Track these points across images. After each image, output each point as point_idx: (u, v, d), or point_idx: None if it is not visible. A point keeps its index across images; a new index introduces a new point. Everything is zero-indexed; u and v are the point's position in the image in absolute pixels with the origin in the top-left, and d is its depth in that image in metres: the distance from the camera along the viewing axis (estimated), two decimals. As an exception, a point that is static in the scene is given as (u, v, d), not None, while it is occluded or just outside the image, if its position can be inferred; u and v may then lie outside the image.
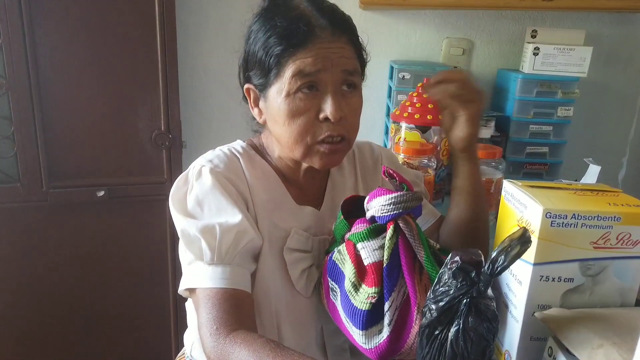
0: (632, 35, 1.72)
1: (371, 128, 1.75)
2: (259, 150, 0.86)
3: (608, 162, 1.79)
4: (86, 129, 1.44)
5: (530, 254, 0.61)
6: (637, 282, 0.64)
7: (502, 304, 0.69)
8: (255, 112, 0.83)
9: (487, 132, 1.50)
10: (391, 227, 0.70)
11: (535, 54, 1.54)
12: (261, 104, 0.81)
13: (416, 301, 0.66)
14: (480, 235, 0.86)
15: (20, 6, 1.30)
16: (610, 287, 0.63)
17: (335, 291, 0.74)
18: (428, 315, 0.57)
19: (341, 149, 0.78)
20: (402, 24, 1.68)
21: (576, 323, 0.59)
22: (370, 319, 0.67)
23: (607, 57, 1.73)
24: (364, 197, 0.75)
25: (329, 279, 0.76)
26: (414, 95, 1.32)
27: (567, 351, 0.58)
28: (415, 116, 1.28)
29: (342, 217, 0.77)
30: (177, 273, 1.61)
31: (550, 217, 0.60)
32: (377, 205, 0.71)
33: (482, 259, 0.56)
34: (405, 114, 1.30)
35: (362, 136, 0.89)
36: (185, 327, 0.96)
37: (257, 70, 0.78)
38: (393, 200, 0.70)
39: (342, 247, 0.75)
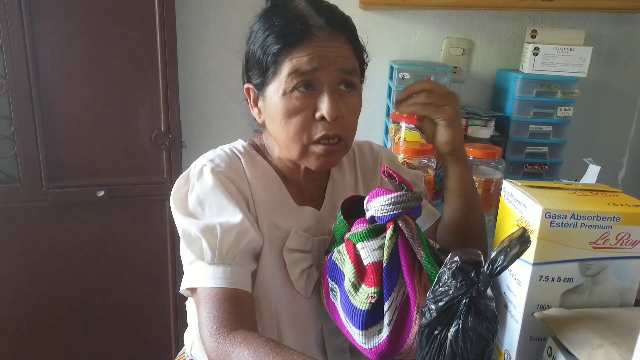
0: (632, 35, 1.72)
1: (371, 128, 1.75)
2: (260, 150, 0.87)
3: (608, 162, 1.78)
4: (86, 129, 1.44)
5: (529, 254, 0.61)
6: (637, 282, 0.64)
7: (501, 304, 0.69)
8: (254, 112, 0.83)
9: (487, 132, 1.50)
10: (391, 227, 0.70)
11: (535, 54, 1.54)
12: (260, 103, 0.81)
13: (416, 301, 0.66)
14: (475, 235, 0.86)
15: (20, 6, 1.30)
16: (610, 287, 0.64)
17: (335, 291, 0.74)
18: (428, 315, 0.57)
19: (337, 150, 0.78)
20: (402, 24, 1.68)
21: (576, 323, 0.59)
22: (369, 319, 0.67)
23: (607, 57, 1.73)
24: (364, 197, 0.75)
25: (329, 279, 0.76)
26: (413, 95, 1.31)
27: (566, 351, 0.58)
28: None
29: (341, 217, 0.77)
30: (177, 273, 1.61)
31: (549, 217, 0.60)
32: (376, 205, 0.71)
33: (482, 259, 0.56)
34: (405, 114, 1.29)
35: (362, 136, 0.89)
36: (185, 326, 0.96)
37: (255, 69, 0.79)
38: (393, 200, 0.70)
39: (342, 247, 0.75)
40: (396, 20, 1.67)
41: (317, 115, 0.75)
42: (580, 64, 1.54)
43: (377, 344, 0.67)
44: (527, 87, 1.55)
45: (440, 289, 0.57)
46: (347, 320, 0.71)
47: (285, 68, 0.74)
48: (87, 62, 1.39)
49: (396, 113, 1.23)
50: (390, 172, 0.74)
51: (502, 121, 1.60)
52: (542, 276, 0.62)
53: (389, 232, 0.70)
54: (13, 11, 1.30)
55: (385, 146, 1.59)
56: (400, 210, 0.70)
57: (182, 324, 1.65)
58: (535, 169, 1.63)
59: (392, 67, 1.62)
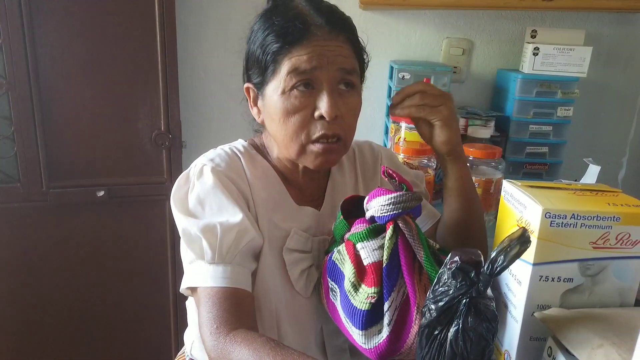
0: (632, 35, 1.72)
1: (371, 128, 1.75)
2: (260, 150, 0.87)
3: (608, 162, 1.79)
4: (86, 128, 1.44)
5: (529, 254, 0.61)
6: (637, 282, 0.64)
7: (501, 304, 0.69)
8: (254, 111, 0.83)
9: (487, 132, 1.50)
10: (391, 227, 0.70)
11: (535, 54, 1.54)
12: (259, 103, 0.81)
13: (416, 301, 0.66)
14: (475, 235, 0.86)
15: (20, 6, 1.30)
16: (610, 287, 0.63)
17: (334, 291, 0.74)
18: (427, 315, 0.57)
19: (336, 149, 0.78)
20: (402, 24, 1.68)
21: (576, 323, 0.59)
22: (369, 319, 0.67)
23: (607, 57, 1.73)
24: (364, 197, 0.75)
25: (329, 279, 0.76)
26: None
27: (566, 351, 0.58)
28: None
29: (341, 217, 0.77)
30: (177, 273, 1.61)
31: (549, 217, 0.60)
32: (376, 206, 0.71)
33: (482, 259, 0.56)
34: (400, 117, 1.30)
35: (362, 136, 0.89)
36: (185, 326, 0.96)
37: (255, 68, 0.79)
38: (392, 200, 0.70)
39: (342, 247, 0.75)
40: (396, 20, 1.68)
41: (316, 114, 0.75)
42: (580, 64, 1.54)
43: (377, 344, 0.67)
44: (527, 87, 1.55)
45: (440, 289, 0.57)
46: (347, 320, 0.71)
47: (285, 67, 0.74)
48: (87, 62, 1.39)
49: (391, 117, 1.23)
50: (390, 172, 0.74)
51: (502, 121, 1.60)
52: (542, 276, 0.62)
53: (388, 232, 0.70)
54: (13, 11, 1.30)
55: (385, 146, 1.59)
56: (400, 210, 0.70)
57: (182, 324, 1.65)
58: (535, 169, 1.63)
59: (392, 67, 1.62)
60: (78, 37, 1.37)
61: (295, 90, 0.74)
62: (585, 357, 0.55)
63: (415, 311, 0.66)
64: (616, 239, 0.61)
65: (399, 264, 0.69)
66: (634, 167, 1.86)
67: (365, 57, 0.83)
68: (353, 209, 0.77)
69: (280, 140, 0.79)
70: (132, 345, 1.67)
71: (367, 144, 0.97)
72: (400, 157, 1.29)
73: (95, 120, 1.44)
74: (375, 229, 0.72)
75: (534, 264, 0.61)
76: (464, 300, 0.55)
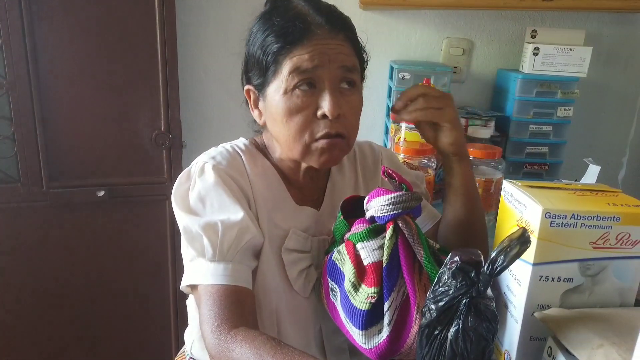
0: (632, 35, 1.72)
1: (371, 128, 1.75)
2: (261, 149, 0.87)
3: (608, 162, 1.79)
4: (86, 129, 1.44)
5: (529, 254, 0.61)
6: (637, 282, 0.64)
7: (501, 304, 0.69)
8: (255, 113, 0.83)
9: (487, 132, 1.50)
10: (391, 227, 0.70)
11: (535, 54, 1.54)
12: (260, 104, 0.81)
13: (416, 301, 0.66)
14: (476, 234, 0.86)
15: (20, 6, 1.30)
16: (610, 287, 0.64)
17: (335, 291, 0.74)
18: (428, 315, 0.57)
19: (340, 144, 0.77)
20: (402, 24, 1.68)
21: (576, 323, 0.59)
22: (369, 319, 0.67)
23: (607, 57, 1.73)
24: (364, 197, 0.75)
25: (329, 279, 0.76)
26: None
27: (566, 351, 0.58)
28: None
29: (341, 217, 0.77)
30: (177, 273, 1.61)
31: (549, 217, 0.60)
32: (376, 206, 0.71)
33: (482, 259, 0.56)
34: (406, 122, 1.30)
35: (362, 136, 0.89)
36: (185, 325, 0.96)
37: (255, 70, 0.79)
38: (392, 200, 0.70)
39: (342, 247, 0.75)
40: (396, 20, 1.68)
41: (319, 113, 0.75)
42: (580, 64, 1.54)
43: (377, 344, 0.67)
44: (527, 87, 1.55)
45: (440, 289, 0.57)
46: (347, 320, 0.71)
47: (286, 67, 0.74)
48: (87, 62, 1.39)
49: (394, 123, 1.22)
50: (390, 172, 0.74)
51: (502, 121, 1.60)
52: (542, 276, 0.62)
53: (388, 232, 0.70)
54: (13, 11, 1.30)
55: (385, 146, 1.59)
56: (400, 210, 0.70)
57: (182, 323, 1.65)
58: (535, 169, 1.63)
59: (392, 67, 1.62)
60: (78, 37, 1.37)
61: (297, 89, 0.74)
62: (585, 357, 0.55)
63: (415, 311, 0.66)
64: (616, 239, 0.61)
65: (399, 264, 0.69)
66: (634, 167, 1.86)
67: (364, 55, 0.83)
68: (353, 209, 0.77)
69: (283, 141, 0.79)
70: (133, 345, 1.67)
71: (368, 144, 0.97)
72: (400, 157, 1.29)
73: (95, 120, 1.44)
74: (375, 229, 0.72)
75: (534, 264, 0.61)
76: (464, 300, 0.55)
